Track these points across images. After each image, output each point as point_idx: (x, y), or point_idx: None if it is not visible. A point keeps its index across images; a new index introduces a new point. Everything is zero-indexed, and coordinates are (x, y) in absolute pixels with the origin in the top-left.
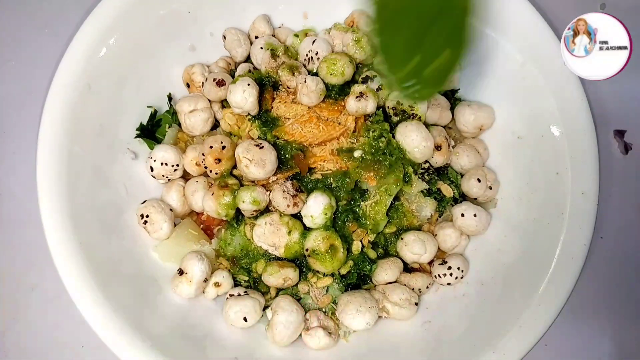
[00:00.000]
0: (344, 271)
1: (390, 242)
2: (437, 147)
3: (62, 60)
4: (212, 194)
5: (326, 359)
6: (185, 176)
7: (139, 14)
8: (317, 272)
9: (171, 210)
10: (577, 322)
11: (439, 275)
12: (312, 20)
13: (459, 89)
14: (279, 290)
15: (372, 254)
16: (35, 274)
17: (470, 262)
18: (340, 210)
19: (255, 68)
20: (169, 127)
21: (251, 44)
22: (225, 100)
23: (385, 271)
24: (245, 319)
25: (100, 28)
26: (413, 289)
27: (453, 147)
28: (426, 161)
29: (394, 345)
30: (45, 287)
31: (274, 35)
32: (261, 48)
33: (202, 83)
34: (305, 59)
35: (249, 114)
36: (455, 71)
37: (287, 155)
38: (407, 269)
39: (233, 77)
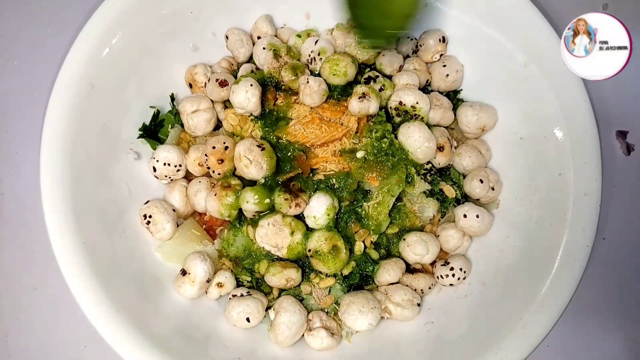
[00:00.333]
0: (346, 272)
1: (393, 242)
2: (440, 148)
3: (65, 59)
4: (215, 195)
5: None
6: (188, 176)
7: (142, 13)
8: (320, 272)
9: (174, 210)
10: (580, 323)
11: (441, 276)
12: (315, 21)
13: (462, 90)
14: (281, 291)
15: (374, 254)
16: (38, 274)
17: (473, 263)
18: (342, 211)
19: (257, 68)
20: (172, 128)
21: (254, 44)
22: (228, 100)
23: (388, 272)
24: (248, 320)
25: (103, 28)
26: (415, 290)
27: (455, 147)
28: (429, 162)
29: (397, 346)
30: (48, 286)
31: (276, 36)
32: (264, 48)
33: (205, 83)
34: (307, 60)
35: (251, 114)
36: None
37: (289, 156)
38: (410, 269)
39: (235, 77)
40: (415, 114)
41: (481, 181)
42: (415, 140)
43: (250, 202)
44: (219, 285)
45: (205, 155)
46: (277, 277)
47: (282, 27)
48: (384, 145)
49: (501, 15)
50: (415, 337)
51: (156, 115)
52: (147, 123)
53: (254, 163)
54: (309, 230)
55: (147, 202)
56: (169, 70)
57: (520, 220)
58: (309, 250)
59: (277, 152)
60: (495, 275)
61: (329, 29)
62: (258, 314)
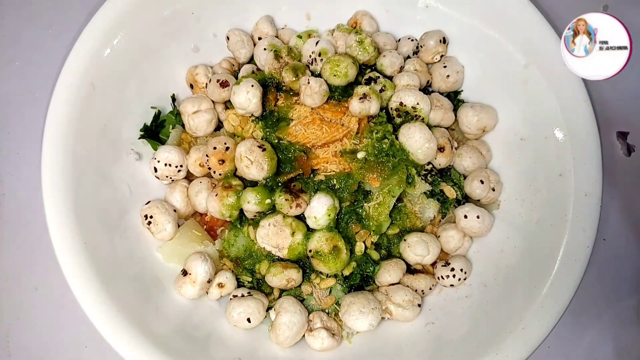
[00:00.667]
0: (347, 272)
1: (393, 243)
2: (440, 149)
3: (66, 60)
4: (216, 195)
5: None
6: (189, 177)
7: (143, 14)
8: (321, 273)
9: (175, 211)
10: (580, 324)
11: (441, 277)
12: (315, 22)
13: (462, 91)
14: (282, 291)
15: (375, 255)
16: (39, 274)
17: (473, 264)
18: (343, 212)
19: (258, 69)
20: (173, 128)
21: (254, 45)
22: (229, 101)
23: (389, 272)
24: (248, 320)
25: (105, 28)
26: (416, 291)
27: (456, 148)
28: (429, 162)
29: (397, 346)
30: (49, 286)
31: (277, 37)
32: (264, 49)
33: (206, 84)
34: (308, 60)
35: (252, 115)
36: None
37: (290, 157)
38: (410, 270)
39: (236, 78)
40: (416, 115)
41: (482, 182)
42: (416, 141)
43: (251, 202)
44: (220, 285)
45: (206, 155)
46: (278, 278)
47: (283, 28)
48: (384, 145)
49: (501, 16)
50: (415, 337)
51: (157, 116)
52: (148, 123)
53: (255, 164)
54: (309, 231)
55: (148, 202)
56: (170, 70)
57: (520, 221)
58: (310, 251)
59: (277, 153)
60: (495, 275)
61: (330, 30)
62: (259, 315)
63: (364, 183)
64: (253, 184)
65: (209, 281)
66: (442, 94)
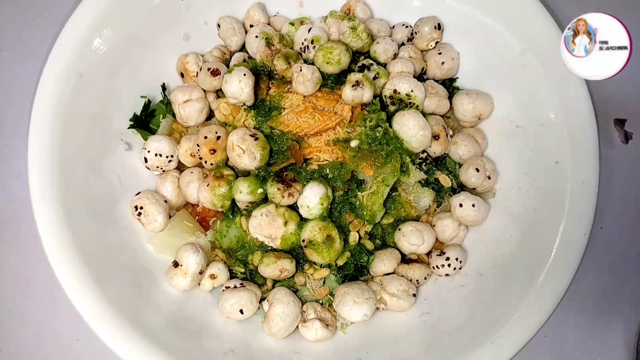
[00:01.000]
0: (341, 262)
1: (388, 233)
2: (435, 137)
3: (52, 49)
4: (208, 185)
5: (323, 351)
6: (180, 167)
7: (133, 2)
8: (314, 263)
9: (166, 201)
10: (577, 312)
11: (437, 266)
12: (308, 9)
13: (457, 78)
14: (275, 282)
15: (369, 245)
16: (30, 268)
17: (469, 253)
18: (336, 201)
19: (250, 57)
20: (163, 118)
21: (246, 32)
22: (220, 90)
23: (383, 262)
24: (241, 311)
25: (93, 16)
26: (411, 280)
27: (451, 136)
28: (424, 151)
29: (392, 336)
30: (40, 280)
31: (269, 24)
32: (256, 37)
33: (197, 73)
34: (300, 48)
35: (244, 104)
36: None
37: (282, 146)
38: (405, 260)
39: (228, 66)
40: (410, 102)
41: (477, 170)
42: (410, 129)
43: (244, 192)
44: (212, 277)
45: (197, 145)
46: (271, 268)
47: (275, 15)
48: (378, 134)
49: (497, 1)
50: (410, 327)
51: (147, 105)
52: (138, 113)
53: (247, 152)
54: (302, 221)
55: (139, 193)
56: (160, 59)
57: (517, 210)
58: (303, 241)
59: (270, 143)
60: (491, 265)
61: (323, 17)
62: (252, 306)
63: (358, 172)
64: (245, 174)
65: (201, 272)
66: (437, 81)
